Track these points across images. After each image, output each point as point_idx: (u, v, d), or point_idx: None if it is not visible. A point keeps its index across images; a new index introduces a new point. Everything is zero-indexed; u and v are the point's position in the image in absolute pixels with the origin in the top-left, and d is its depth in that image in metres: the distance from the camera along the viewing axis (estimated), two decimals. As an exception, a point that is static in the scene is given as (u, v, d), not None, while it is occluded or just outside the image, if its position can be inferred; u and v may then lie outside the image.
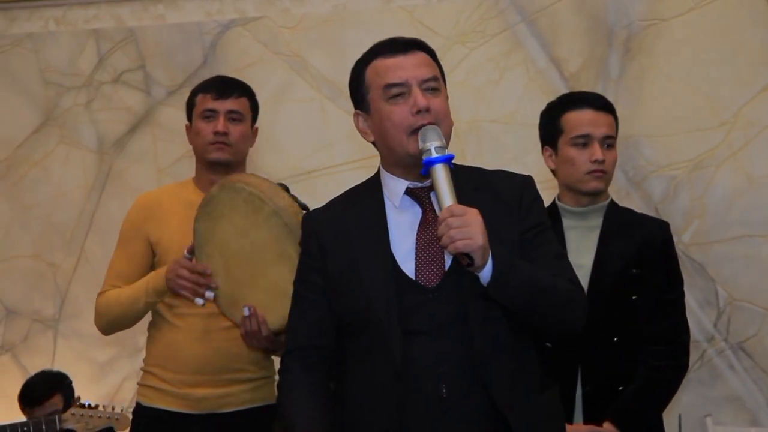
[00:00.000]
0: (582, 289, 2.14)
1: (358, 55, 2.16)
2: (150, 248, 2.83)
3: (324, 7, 4.26)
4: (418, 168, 2.00)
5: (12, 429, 3.27)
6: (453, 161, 2.03)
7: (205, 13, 4.38)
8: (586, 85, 3.84)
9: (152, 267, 2.84)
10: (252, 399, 2.81)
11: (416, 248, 2.04)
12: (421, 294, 2.01)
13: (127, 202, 3.09)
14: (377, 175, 2.16)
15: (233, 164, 2.81)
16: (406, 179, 2.09)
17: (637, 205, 3.72)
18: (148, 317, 2.89)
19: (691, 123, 3.85)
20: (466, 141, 4.02)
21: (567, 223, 2.70)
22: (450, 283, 2.01)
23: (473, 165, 2.22)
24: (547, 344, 2.56)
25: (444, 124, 2.05)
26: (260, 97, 2.94)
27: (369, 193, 2.14)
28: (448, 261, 2.02)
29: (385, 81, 2.06)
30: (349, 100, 2.18)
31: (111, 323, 2.86)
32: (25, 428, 3.23)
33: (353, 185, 2.22)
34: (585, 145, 2.67)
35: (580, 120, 2.68)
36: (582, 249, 2.66)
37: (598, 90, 3.45)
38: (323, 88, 4.23)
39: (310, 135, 4.22)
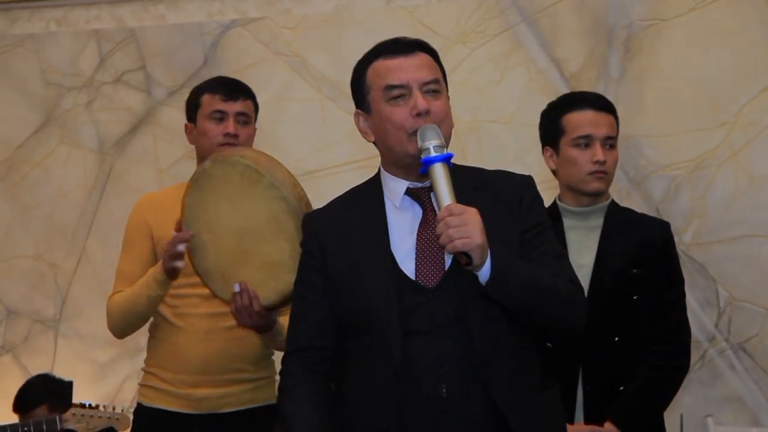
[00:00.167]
0: (582, 289, 2.14)
1: (358, 56, 2.16)
2: (155, 246, 2.83)
3: (324, 8, 4.26)
4: (417, 168, 2.00)
5: (13, 429, 3.27)
6: (453, 161, 2.03)
7: (205, 14, 4.38)
8: (587, 85, 3.84)
9: (157, 265, 2.84)
10: (252, 399, 2.81)
11: (416, 248, 2.04)
12: (421, 294, 2.01)
13: (128, 202, 3.09)
14: (378, 175, 2.16)
15: None
16: (406, 179, 2.09)
17: (637, 205, 3.72)
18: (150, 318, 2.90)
19: (691, 123, 3.85)
20: (466, 141, 4.02)
21: (567, 223, 2.70)
22: (450, 283, 2.01)
23: (473, 165, 2.22)
24: (548, 344, 2.56)
25: (444, 125, 2.05)
26: (261, 98, 2.94)
27: (369, 194, 2.14)
28: (448, 261, 2.02)
29: (386, 82, 2.06)
30: (350, 100, 2.18)
31: (121, 324, 2.84)
32: (26, 428, 3.23)
33: (354, 185, 2.22)
34: (586, 145, 2.67)
35: (582, 120, 2.68)
36: (583, 249, 2.66)
37: (599, 90, 3.45)
38: (324, 89, 4.23)
39: (310, 135, 4.22)
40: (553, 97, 2.88)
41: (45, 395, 3.76)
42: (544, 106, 2.82)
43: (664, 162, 3.87)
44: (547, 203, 2.29)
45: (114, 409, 3.23)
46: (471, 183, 2.09)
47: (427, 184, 2.05)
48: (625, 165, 3.81)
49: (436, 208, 2.00)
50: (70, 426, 3.17)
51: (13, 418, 3.73)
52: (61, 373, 4.19)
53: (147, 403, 2.84)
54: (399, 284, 2.02)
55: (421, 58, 2.08)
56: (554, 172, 2.78)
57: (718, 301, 3.79)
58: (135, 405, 2.91)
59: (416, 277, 2.02)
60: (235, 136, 2.78)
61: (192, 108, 2.86)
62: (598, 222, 2.70)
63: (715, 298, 3.79)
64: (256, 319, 2.51)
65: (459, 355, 1.98)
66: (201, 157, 2.86)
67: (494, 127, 4.05)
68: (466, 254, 1.90)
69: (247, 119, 2.84)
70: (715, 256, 3.80)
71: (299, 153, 4.19)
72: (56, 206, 4.48)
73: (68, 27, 4.52)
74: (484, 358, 1.98)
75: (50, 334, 4.43)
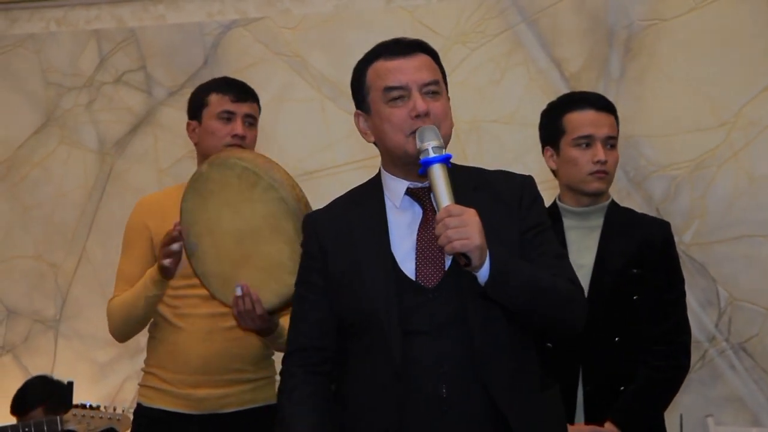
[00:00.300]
0: (582, 289, 2.14)
1: (358, 56, 2.16)
2: (154, 248, 2.83)
3: (325, 8, 4.26)
4: (417, 169, 2.01)
5: (13, 430, 3.27)
6: (453, 162, 2.03)
7: (206, 14, 4.38)
8: (587, 85, 3.84)
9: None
10: (253, 399, 2.81)
11: (416, 248, 2.04)
12: (421, 294, 2.01)
13: (128, 202, 3.09)
14: (378, 175, 2.17)
15: None
16: (406, 180, 2.09)
17: (638, 205, 3.72)
18: (149, 318, 2.90)
19: (691, 123, 3.85)
20: (466, 141, 4.02)
21: (568, 223, 2.70)
22: (450, 283, 2.01)
23: (474, 165, 2.22)
24: (548, 344, 2.56)
25: (443, 126, 2.05)
26: (261, 98, 2.94)
27: (370, 194, 2.15)
28: (448, 261, 2.02)
29: (386, 83, 2.06)
30: (350, 100, 2.18)
31: (121, 326, 2.85)
32: (27, 429, 3.23)
33: (355, 185, 2.22)
34: (587, 145, 2.67)
35: (583, 120, 2.68)
36: (583, 249, 2.66)
37: (599, 90, 3.45)
38: (324, 89, 4.23)
39: (311, 135, 4.22)
40: (553, 97, 2.87)
41: (42, 398, 3.76)
42: (544, 106, 2.82)
43: (664, 162, 3.87)
44: (547, 203, 2.29)
45: (114, 409, 3.23)
46: (471, 183, 2.09)
47: (427, 184, 2.05)
48: (625, 165, 3.81)
49: (436, 209, 2.00)
50: (70, 427, 3.17)
51: (12, 420, 3.73)
52: (61, 373, 4.19)
53: (147, 403, 2.84)
54: (399, 284, 2.02)
55: (420, 60, 2.08)
56: (554, 172, 2.78)
57: (719, 301, 3.79)
58: (135, 405, 2.91)
59: (416, 278, 2.03)
60: (243, 137, 2.78)
61: (197, 106, 2.86)
62: (598, 222, 2.70)
63: (715, 298, 3.79)
64: (258, 322, 2.52)
65: (459, 355, 1.98)
66: (203, 156, 2.85)
67: (494, 127, 4.05)
68: (464, 255, 1.90)
69: (253, 121, 2.85)
70: (716, 256, 3.80)
71: (299, 153, 4.19)
72: (56, 206, 4.48)
73: (68, 27, 4.52)
74: (484, 358, 1.98)
75: (50, 335, 4.43)
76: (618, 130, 2.74)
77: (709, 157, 3.83)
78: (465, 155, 3.90)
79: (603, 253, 2.65)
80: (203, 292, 2.70)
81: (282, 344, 2.61)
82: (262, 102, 2.94)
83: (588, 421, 2.60)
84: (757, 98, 3.80)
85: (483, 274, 1.94)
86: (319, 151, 4.21)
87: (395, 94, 2.05)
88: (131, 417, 3.00)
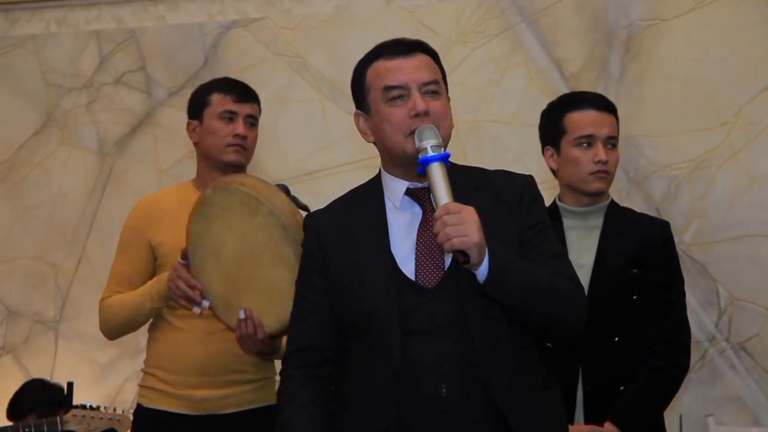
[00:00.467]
0: (582, 288, 2.14)
1: (358, 56, 2.16)
2: (151, 252, 2.83)
3: (325, 8, 4.26)
4: (416, 168, 2.01)
5: (13, 430, 3.27)
6: (453, 162, 2.03)
7: (205, 14, 4.38)
8: (587, 85, 3.84)
9: (154, 271, 2.84)
10: (252, 400, 2.81)
11: (416, 248, 2.04)
12: (421, 294, 2.01)
13: (128, 202, 3.09)
14: (378, 175, 2.17)
15: (244, 167, 2.85)
16: (405, 180, 2.09)
17: (638, 205, 3.72)
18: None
19: (691, 123, 3.85)
20: (466, 141, 4.02)
21: (567, 223, 2.70)
22: (450, 283, 2.01)
23: (474, 165, 2.22)
24: (548, 344, 2.56)
25: (443, 126, 2.05)
26: (261, 98, 2.95)
27: (370, 194, 2.15)
28: (447, 261, 2.02)
29: (385, 83, 2.06)
30: (350, 100, 2.18)
31: (116, 328, 2.85)
32: (27, 430, 3.23)
33: (355, 186, 2.22)
34: (588, 145, 2.66)
35: (584, 120, 2.68)
36: (582, 249, 2.66)
37: (599, 90, 3.45)
38: (324, 89, 4.23)
39: (311, 135, 4.22)
40: (553, 97, 2.87)
41: (37, 403, 3.75)
42: (544, 106, 2.82)
43: (664, 162, 3.87)
44: (547, 203, 2.29)
45: (115, 410, 3.23)
46: (472, 183, 2.10)
47: (426, 184, 2.05)
48: (625, 165, 3.81)
49: (435, 208, 2.00)
50: (71, 427, 3.16)
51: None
52: (61, 373, 4.19)
53: (147, 404, 2.84)
54: (399, 284, 2.02)
55: (420, 59, 2.08)
56: (554, 172, 2.78)
57: (719, 301, 3.79)
58: (135, 406, 2.91)
59: (416, 278, 2.03)
60: (245, 137, 2.79)
61: (198, 106, 2.86)
62: (598, 222, 2.70)
63: (715, 298, 3.79)
64: (260, 346, 2.54)
65: (459, 355, 1.98)
66: (203, 155, 2.86)
67: (494, 127, 4.05)
68: (463, 253, 1.90)
69: (254, 122, 2.87)
70: (716, 255, 3.80)
71: (299, 153, 4.20)
72: (56, 207, 4.48)
73: (68, 28, 4.52)
74: (484, 358, 1.98)
75: (51, 335, 4.43)
76: (618, 130, 2.74)
77: (709, 157, 3.83)
78: (465, 155, 3.90)
79: (603, 252, 2.65)
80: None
81: None
82: (262, 102, 2.94)
83: (587, 420, 2.60)
84: (758, 98, 3.80)
85: (482, 272, 1.94)
86: (319, 151, 4.21)
87: (395, 93, 2.05)
88: (131, 417, 3.00)
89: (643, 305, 2.62)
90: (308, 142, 4.22)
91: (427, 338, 1.99)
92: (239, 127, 2.79)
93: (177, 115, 3.92)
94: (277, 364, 2.58)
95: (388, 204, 2.11)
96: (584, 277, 2.57)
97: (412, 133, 2.02)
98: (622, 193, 3.79)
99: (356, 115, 2.16)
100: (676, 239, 2.78)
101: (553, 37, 4.03)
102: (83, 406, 3.24)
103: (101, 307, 2.86)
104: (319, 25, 4.26)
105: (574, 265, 2.17)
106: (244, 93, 2.85)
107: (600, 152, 2.65)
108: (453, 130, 2.13)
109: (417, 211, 2.08)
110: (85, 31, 4.50)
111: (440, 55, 2.16)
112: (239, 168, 2.82)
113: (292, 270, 2.30)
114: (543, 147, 2.78)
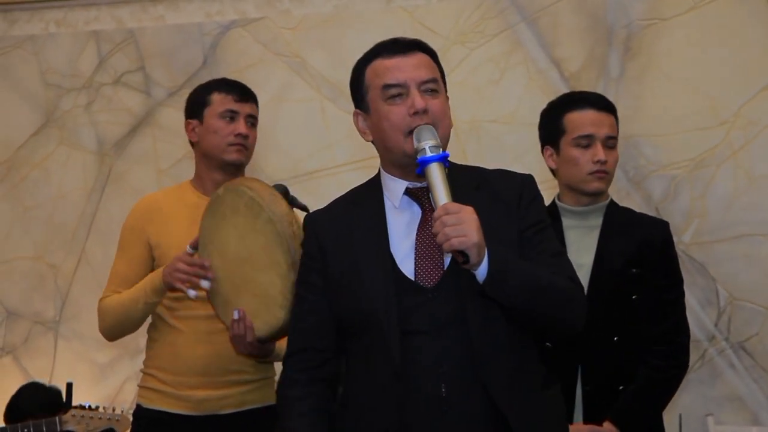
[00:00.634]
0: (582, 287, 2.14)
1: (357, 56, 2.16)
2: (150, 251, 2.83)
3: (324, 8, 4.26)
4: (415, 168, 2.01)
5: (12, 431, 3.27)
6: (452, 161, 2.03)
7: (205, 14, 4.38)
8: (587, 84, 3.84)
9: (152, 271, 2.84)
10: (252, 400, 2.81)
11: (415, 248, 2.04)
12: (421, 294, 2.01)
13: (128, 203, 3.09)
14: (377, 175, 2.17)
15: (244, 166, 2.86)
16: (405, 179, 2.09)
17: (637, 204, 3.72)
18: (148, 320, 2.89)
19: (691, 122, 3.85)
20: (466, 141, 4.02)
21: (567, 222, 2.70)
22: (449, 283, 2.01)
23: (473, 165, 2.22)
24: (547, 344, 2.56)
25: (442, 125, 2.05)
26: (260, 98, 2.95)
27: (369, 194, 2.15)
28: (447, 261, 2.02)
29: (384, 81, 2.06)
30: (349, 100, 2.19)
31: (113, 328, 2.86)
32: (26, 430, 3.23)
33: (354, 185, 2.22)
34: (587, 145, 2.67)
35: (583, 120, 2.68)
36: (582, 249, 2.66)
37: (598, 90, 3.45)
38: (323, 89, 4.23)
39: (310, 136, 4.22)
40: (552, 97, 2.87)
41: (34, 406, 3.75)
42: (543, 106, 2.82)
43: (663, 161, 3.87)
44: (546, 203, 2.29)
45: (114, 410, 3.23)
46: (472, 182, 2.10)
47: (425, 184, 2.05)
48: (624, 164, 3.81)
49: (435, 208, 2.00)
50: (69, 427, 3.16)
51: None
52: (61, 374, 4.20)
53: (146, 404, 2.84)
54: (398, 284, 2.02)
55: (419, 58, 2.08)
56: (554, 172, 2.78)
57: (718, 301, 3.79)
58: (134, 407, 2.91)
59: (415, 278, 2.03)
60: (246, 137, 2.80)
61: (198, 105, 2.86)
62: (598, 221, 2.70)
63: (714, 298, 3.79)
64: (249, 348, 2.55)
65: (458, 354, 1.98)
66: (203, 155, 2.86)
67: (494, 127, 4.05)
68: (462, 253, 1.90)
69: (254, 122, 2.88)
70: (715, 255, 3.80)
71: (299, 153, 4.20)
72: (56, 207, 4.48)
73: (67, 28, 4.52)
74: (484, 358, 1.98)
75: (50, 336, 4.43)
76: (618, 130, 2.74)
77: (708, 157, 3.83)
78: (465, 155, 3.90)
79: (602, 252, 2.65)
80: (201, 293, 2.71)
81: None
82: (261, 102, 2.95)
83: (587, 420, 2.60)
84: (757, 97, 3.80)
85: (481, 272, 1.93)
86: (319, 151, 4.21)
87: (394, 91, 2.05)
88: (130, 418, 3.01)
89: (642, 305, 2.62)
90: (307, 142, 4.22)
91: (427, 338, 1.99)
92: (241, 126, 2.80)
93: (176, 115, 3.91)
94: (277, 365, 2.58)
95: (388, 204, 2.11)
96: (583, 276, 2.57)
97: (411, 132, 2.02)
98: (621, 193, 3.79)
99: (355, 115, 2.16)
100: (675, 239, 2.78)
101: (552, 37, 4.03)
102: (82, 407, 3.24)
103: (99, 307, 2.87)
104: (318, 25, 4.26)
105: (574, 265, 2.17)
106: (244, 93, 2.86)
107: (599, 152, 2.65)
108: (452, 130, 2.13)
109: (416, 211, 2.08)
110: (84, 31, 4.50)
111: (439, 55, 2.16)
112: (239, 167, 2.83)
113: (283, 278, 2.33)
114: (542, 147, 2.78)
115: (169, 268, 2.65)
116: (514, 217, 2.07)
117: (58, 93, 4.51)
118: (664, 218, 2.90)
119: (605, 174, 2.68)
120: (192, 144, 2.90)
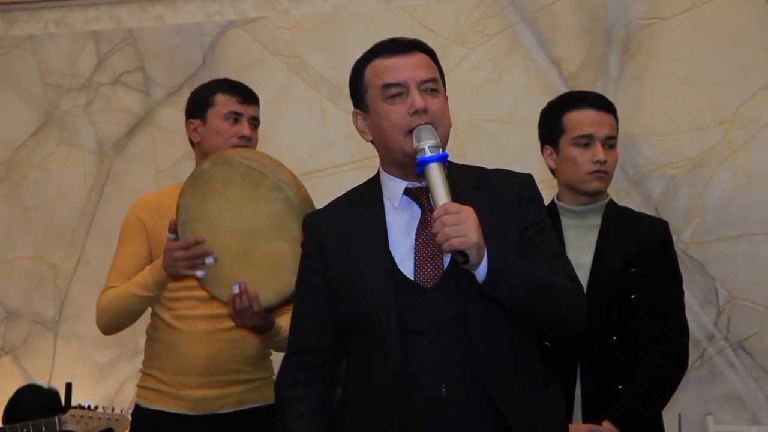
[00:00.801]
0: (581, 287, 2.14)
1: (357, 56, 2.16)
2: (150, 248, 2.83)
3: (323, 8, 4.26)
4: (414, 168, 2.01)
5: (12, 431, 3.27)
6: (452, 161, 2.03)
7: (204, 14, 4.38)
8: (586, 84, 3.84)
9: (152, 264, 2.84)
10: (251, 399, 2.81)
11: (415, 248, 2.04)
12: (420, 294, 2.01)
13: (127, 203, 3.09)
14: (377, 175, 2.17)
15: None
16: (404, 179, 2.09)
17: (637, 204, 3.73)
18: (147, 320, 2.89)
19: (690, 122, 3.85)
20: (465, 141, 4.02)
21: (566, 222, 2.70)
22: (449, 283, 2.00)
23: (473, 164, 2.22)
24: (546, 343, 2.56)
25: (441, 124, 2.05)
26: (260, 98, 2.95)
27: (369, 194, 2.15)
28: (446, 261, 2.02)
29: (384, 81, 2.06)
30: (349, 100, 2.18)
31: (111, 321, 2.85)
32: (25, 430, 3.23)
33: (354, 185, 2.22)
34: (587, 145, 2.67)
35: (583, 120, 2.68)
36: (581, 248, 2.66)
37: (598, 89, 3.45)
38: (323, 89, 4.23)
39: (310, 135, 4.23)
40: (552, 97, 2.87)
41: (32, 408, 3.75)
42: (542, 106, 2.82)
43: (663, 161, 3.87)
44: (546, 202, 2.29)
45: (113, 410, 3.23)
46: (471, 182, 2.09)
47: (425, 184, 2.05)
48: (624, 164, 3.81)
49: (434, 208, 2.00)
50: (69, 427, 3.17)
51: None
52: (60, 374, 4.20)
53: (145, 404, 2.84)
54: (398, 284, 2.02)
55: (418, 58, 2.08)
56: (553, 171, 2.78)
57: (718, 300, 3.79)
58: (134, 406, 2.91)
59: (415, 277, 2.02)
60: (249, 138, 2.81)
61: (200, 105, 2.86)
62: (597, 221, 2.70)
63: (714, 297, 3.79)
64: (256, 319, 2.53)
65: (458, 354, 1.98)
66: (204, 155, 2.85)
67: (493, 127, 4.05)
68: (462, 253, 1.90)
69: (257, 123, 2.88)
70: (714, 254, 3.80)
71: (299, 153, 4.19)
72: (55, 207, 4.48)
73: (67, 28, 4.52)
74: (484, 358, 1.98)
75: (50, 336, 4.43)
76: (617, 130, 2.74)
77: (707, 156, 3.84)
78: (464, 155, 3.90)
79: (601, 252, 2.65)
80: (201, 293, 2.71)
81: (279, 342, 2.62)
82: (261, 102, 2.94)
83: (586, 419, 2.60)
84: (756, 97, 3.81)
85: (481, 272, 1.93)
86: (319, 151, 4.21)
87: (393, 91, 2.05)
88: (129, 418, 3.01)
89: (641, 304, 2.62)
90: (307, 142, 4.22)
91: (427, 338, 1.99)
92: (244, 128, 2.80)
93: (175, 115, 3.92)
94: (276, 364, 2.58)
95: (387, 204, 2.11)
96: (583, 276, 2.57)
97: (411, 131, 2.02)
98: (620, 193, 3.79)
99: (354, 114, 2.16)
100: (674, 238, 2.78)
101: (551, 37, 4.03)
102: (81, 407, 3.24)
103: (98, 301, 2.86)
104: (317, 25, 4.26)
105: (573, 264, 2.17)
106: (248, 95, 2.87)
107: (598, 152, 2.65)
108: (452, 130, 2.13)
109: (416, 211, 2.08)
110: (84, 31, 4.50)
111: (439, 54, 2.16)
112: None
113: (295, 242, 2.30)
114: (542, 146, 2.78)
115: (168, 261, 2.64)
116: (513, 217, 2.07)
117: (57, 93, 4.51)
118: (664, 218, 2.90)
119: (604, 174, 2.68)
120: (192, 144, 2.90)
